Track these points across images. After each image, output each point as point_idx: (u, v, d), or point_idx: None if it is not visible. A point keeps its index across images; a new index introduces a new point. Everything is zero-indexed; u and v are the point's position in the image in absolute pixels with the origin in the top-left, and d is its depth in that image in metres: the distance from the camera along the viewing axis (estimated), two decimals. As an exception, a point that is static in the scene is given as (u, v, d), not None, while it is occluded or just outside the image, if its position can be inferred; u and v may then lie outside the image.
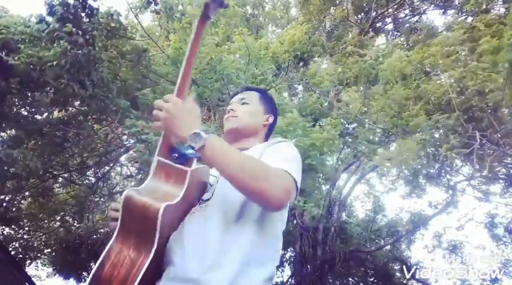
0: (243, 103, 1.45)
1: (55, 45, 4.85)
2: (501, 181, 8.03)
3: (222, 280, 0.98)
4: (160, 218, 0.95)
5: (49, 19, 5.04)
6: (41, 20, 5.09)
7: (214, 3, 1.13)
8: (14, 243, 10.39)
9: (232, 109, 1.43)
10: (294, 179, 1.09)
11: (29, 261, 11.15)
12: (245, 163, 1.02)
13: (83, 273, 11.04)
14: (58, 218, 9.93)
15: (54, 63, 4.70)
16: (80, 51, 4.64)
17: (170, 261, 1.05)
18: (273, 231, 1.15)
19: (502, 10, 7.73)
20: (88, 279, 0.92)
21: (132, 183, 8.82)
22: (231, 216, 1.08)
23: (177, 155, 1.09)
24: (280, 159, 1.13)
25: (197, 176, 1.13)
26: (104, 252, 0.96)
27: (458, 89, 6.15)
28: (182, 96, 1.10)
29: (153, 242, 0.97)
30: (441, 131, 6.30)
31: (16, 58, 5.21)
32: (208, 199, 1.15)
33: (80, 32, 4.72)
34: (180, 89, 1.11)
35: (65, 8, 4.64)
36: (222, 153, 1.03)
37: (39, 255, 11.24)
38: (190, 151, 1.07)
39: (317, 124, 7.98)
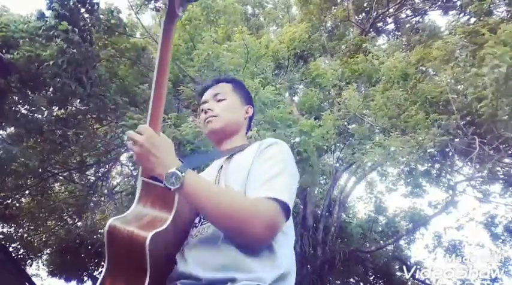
0: (218, 100, 1.34)
1: (52, 43, 4.83)
2: (501, 181, 8.00)
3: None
4: (148, 248, 0.86)
5: (48, 15, 5.02)
6: (40, 17, 5.08)
7: None
8: (14, 243, 10.39)
9: (209, 109, 1.32)
10: (284, 203, 1.01)
11: (29, 261, 11.16)
12: (222, 204, 0.97)
13: (83, 273, 11.07)
14: (57, 217, 9.92)
15: (51, 62, 4.68)
16: (75, 50, 4.61)
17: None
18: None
19: (505, 13, 7.70)
20: None
21: (132, 182, 8.79)
22: None
23: None
24: (266, 179, 1.05)
25: None
26: None
27: (457, 95, 6.12)
28: (156, 123, 0.99)
29: (145, 276, 0.88)
30: (441, 131, 6.27)
31: (16, 53, 5.20)
32: None
33: (76, 30, 4.69)
34: (154, 115, 0.99)
35: (64, 3, 4.61)
36: (198, 194, 0.96)
37: (39, 255, 11.24)
38: None
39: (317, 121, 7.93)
